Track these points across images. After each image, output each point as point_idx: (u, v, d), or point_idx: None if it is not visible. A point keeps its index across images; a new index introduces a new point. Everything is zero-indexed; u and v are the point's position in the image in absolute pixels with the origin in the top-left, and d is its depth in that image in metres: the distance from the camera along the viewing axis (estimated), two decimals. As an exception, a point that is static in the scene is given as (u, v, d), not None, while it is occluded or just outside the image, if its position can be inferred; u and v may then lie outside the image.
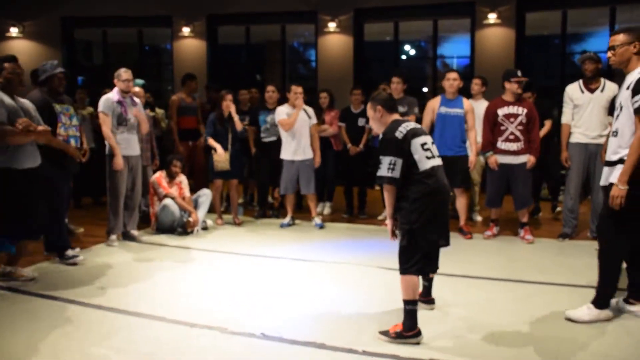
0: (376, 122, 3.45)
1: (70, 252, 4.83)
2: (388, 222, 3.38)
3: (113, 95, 5.42)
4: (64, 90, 4.93)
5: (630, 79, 3.41)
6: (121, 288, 4.18)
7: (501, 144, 5.60)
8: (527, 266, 4.76)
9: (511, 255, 5.17)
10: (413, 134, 3.26)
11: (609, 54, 3.52)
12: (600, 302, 3.54)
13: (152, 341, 3.20)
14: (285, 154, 6.35)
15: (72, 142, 4.80)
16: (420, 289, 3.68)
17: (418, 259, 3.23)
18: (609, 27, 9.49)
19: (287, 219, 6.41)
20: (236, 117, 6.28)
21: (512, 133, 5.53)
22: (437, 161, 3.34)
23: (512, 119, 5.54)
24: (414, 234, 3.20)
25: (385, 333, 3.25)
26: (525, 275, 4.49)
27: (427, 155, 3.26)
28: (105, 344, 3.16)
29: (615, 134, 3.48)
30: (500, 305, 3.83)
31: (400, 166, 3.18)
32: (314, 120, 6.41)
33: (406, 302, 3.22)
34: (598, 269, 3.57)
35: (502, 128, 5.56)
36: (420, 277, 3.45)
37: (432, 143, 3.39)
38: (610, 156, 3.49)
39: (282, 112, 6.26)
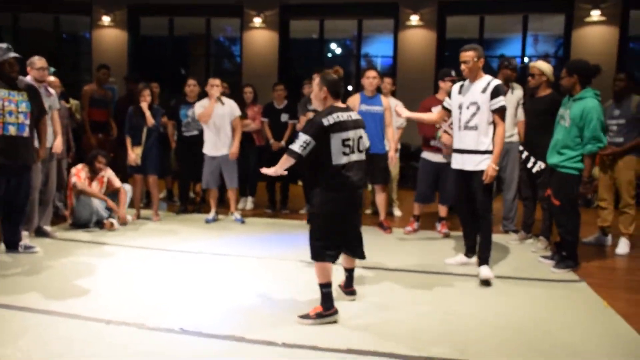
0: (317, 99, 3.55)
1: None
2: (273, 170, 3.54)
3: (25, 83, 5.14)
4: (17, 76, 4.62)
5: (482, 85, 4.30)
6: (32, 286, 3.98)
7: (433, 142, 5.80)
8: (442, 258, 4.95)
9: (428, 248, 5.37)
10: (340, 127, 3.36)
11: (463, 66, 4.33)
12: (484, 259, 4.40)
13: (64, 340, 3.07)
14: (207, 148, 6.28)
15: (12, 129, 4.52)
16: (343, 280, 3.87)
17: (326, 246, 3.40)
18: (522, 34, 10.04)
19: (211, 214, 6.34)
20: (147, 113, 6.10)
21: (444, 131, 5.72)
22: (355, 157, 3.45)
23: (445, 118, 5.72)
24: (319, 221, 3.42)
25: (305, 316, 3.38)
26: (439, 267, 4.68)
27: (344, 150, 3.38)
28: (12, 344, 3.00)
29: (475, 128, 4.33)
30: (415, 294, 3.97)
31: (311, 148, 3.33)
32: (237, 113, 6.33)
33: (322, 286, 3.41)
34: (484, 237, 4.44)
35: (436, 126, 5.74)
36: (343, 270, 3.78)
37: (360, 138, 3.51)
38: (477, 146, 4.33)
39: (200, 106, 6.22)
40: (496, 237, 5.74)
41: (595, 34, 9.38)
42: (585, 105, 4.44)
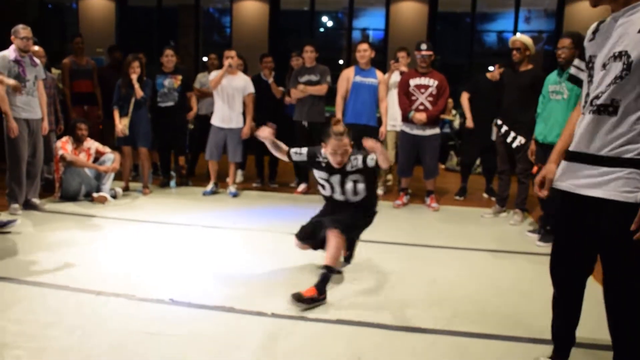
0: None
1: None
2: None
3: (9, 53, 5.04)
4: None
5: None
6: (21, 258, 3.98)
7: (406, 121, 5.81)
8: (431, 232, 5.00)
9: (417, 222, 5.41)
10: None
11: None
12: None
13: (54, 310, 3.09)
14: (215, 119, 6.29)
15: None
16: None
17: None
18: (514, 9, 9.99)
19: (210, 186, 6.36)
20: (136, 85, 6.05)
21: (422, 104, 5.73)
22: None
23: (422, 90, 5.73)
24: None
25: (301, 299, 3.20)
26: (428, 240, 4.72)
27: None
28: (2, 315, 3.01)
29: (613, 111, 2.01)
30: (403, 267, 4.01)
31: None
32: (251, 90, 6.31)
33: (331, 270, 3.37)
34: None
35: (413, 98, 5.75)
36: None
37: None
38: (612, 147, 2.02)
39: (214, 74, 6.27)
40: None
41: (588, 9, 9.27)
42: None
